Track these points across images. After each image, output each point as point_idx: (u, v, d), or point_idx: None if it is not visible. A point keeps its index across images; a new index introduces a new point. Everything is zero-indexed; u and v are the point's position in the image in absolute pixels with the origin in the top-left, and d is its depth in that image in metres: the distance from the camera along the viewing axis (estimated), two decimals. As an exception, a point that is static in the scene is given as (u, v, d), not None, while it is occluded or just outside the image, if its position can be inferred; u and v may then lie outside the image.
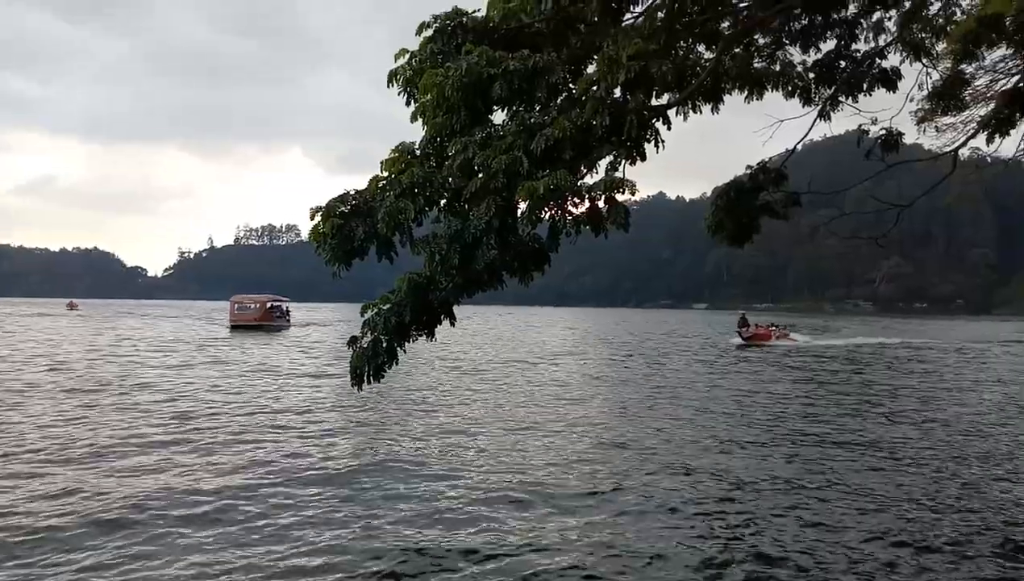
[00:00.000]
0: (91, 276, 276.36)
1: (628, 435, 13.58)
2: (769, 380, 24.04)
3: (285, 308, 62.39)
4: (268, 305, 59.14)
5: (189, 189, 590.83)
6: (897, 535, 8.07)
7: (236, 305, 58.93)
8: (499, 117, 6.54)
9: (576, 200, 5.49)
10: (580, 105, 5.94)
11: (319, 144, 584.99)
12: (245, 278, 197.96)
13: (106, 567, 6.90)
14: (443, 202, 6.11)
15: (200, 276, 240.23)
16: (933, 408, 17.90)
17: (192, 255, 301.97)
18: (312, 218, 5.98)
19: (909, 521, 8.60)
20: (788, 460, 11.77)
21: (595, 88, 5.78)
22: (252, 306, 58.20)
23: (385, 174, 6.41)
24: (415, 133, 6.77)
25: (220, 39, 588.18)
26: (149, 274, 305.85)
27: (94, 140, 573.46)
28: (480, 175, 5.70)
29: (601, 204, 5.47)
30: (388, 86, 6.66)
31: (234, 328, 53.81)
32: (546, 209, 5.48)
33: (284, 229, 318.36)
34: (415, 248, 6.06)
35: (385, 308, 6.87)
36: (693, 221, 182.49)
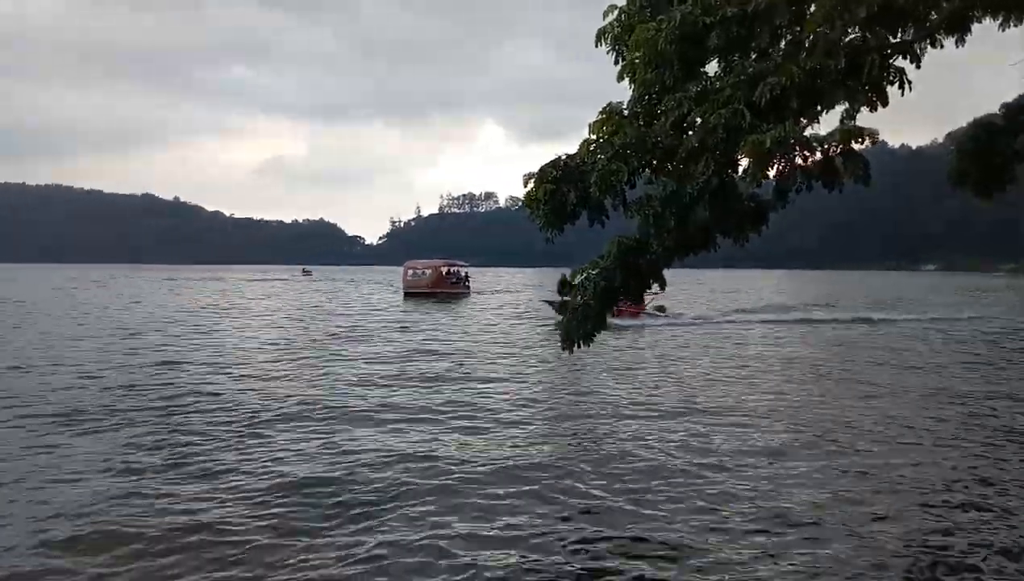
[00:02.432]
0: (318, 244, 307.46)
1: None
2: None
3: (463, 274, 55.74)
4: (444, 270, 53.28)
5: (397, 163, 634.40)
6: None
7: (410, 271, 53.75)
8: (712, 69, 6.21)
9: (806, 153, 5.03)
10: (808, 49, 5.42)
11: (511, 114, 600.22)
12: (447, 244, 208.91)
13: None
14: (655, 162, 5.90)
15: (409, 243, 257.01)
16: None
17: (402, 224, 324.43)
18: (525, 184, 6.05)
19: None
20: None
21: (827, 27, 5.21)
22: (426, 272, 52.54)
23: (594, 137, 6.34)
24: (615, 93, 6.61)
25: (417, 21, 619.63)
26: (366, 242, 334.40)
27: (316, 122, 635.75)
28: (696, 132, 5.42)
29: (836, 156, 4.96)
30: (596, 45, 6.51)
31: (408, 295, 50.08)
32: (772, 164, 5.08)
33: (483, 197, 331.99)
34: (628, 211, 5.94)
35: (594, 273, 6.86)
36: (920, 172, 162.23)
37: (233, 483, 8.25)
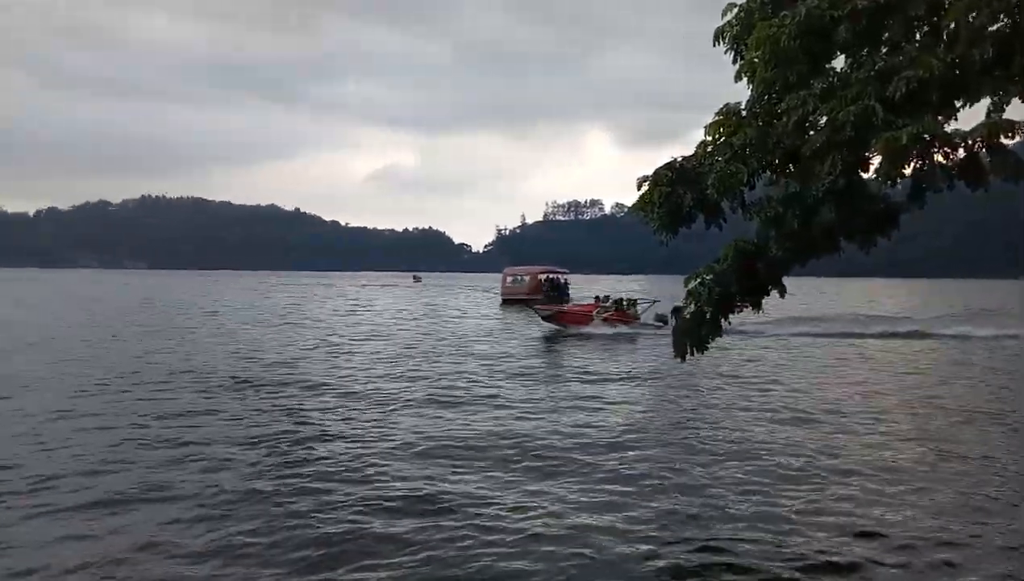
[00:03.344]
0: (426, 252, 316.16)
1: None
2: None
3: (563, 281, 52.98)
4: (541, 278, 51.85)
5: (502, 171, 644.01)
6: None
7: (509, 278, 54.23)
8: (839, 65, 5.91)
9: (946, 149, 4.68)
10: (948, 39, 5.06)
11: (616, 119, 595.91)
12: (551, 251, 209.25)
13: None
14: (776, 163, 5.67)
15: (513, 250, 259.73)
16: None
17: (507, 231, 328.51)
18: (639, 187, 5.97)
19: None
20: None
21: (973, 15, 4.84)
22: (524, 279, 52.15)
23: (710, 138, 6.18)
24: (724, 96, 6.40)
25: (520, 30, 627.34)
26: (473, 250, 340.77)
27: (423, 133, 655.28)
28: (822, 130, 5.17)
29: (981, 152, 4.59)
30: (714, 45, 6.35)
31: (506, 302, 49.93)
32: (908, 162, 4.77)
33: (588, 204, 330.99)
34: (747, 213, 5.74)
35: (709, 278, 6.67)
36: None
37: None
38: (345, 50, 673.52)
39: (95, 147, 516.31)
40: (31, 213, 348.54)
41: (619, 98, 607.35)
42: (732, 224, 6.36)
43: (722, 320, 6.85)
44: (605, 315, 27.96)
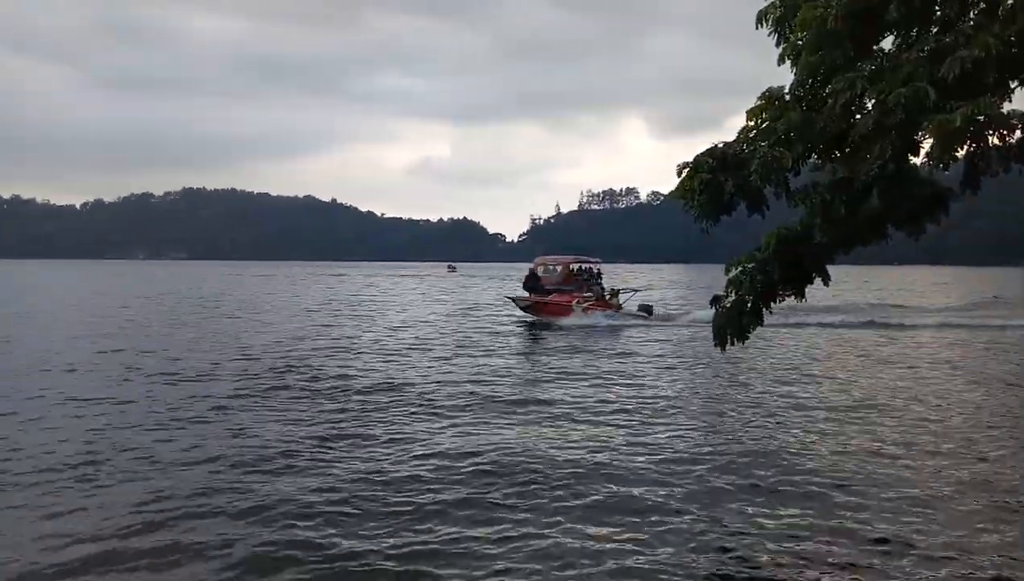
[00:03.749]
0: (461, 242, 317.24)
1: None
2: None
3: (596, 271, 50.10)
4: (573, 267, 48.91)
5: (537, 161, 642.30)
6: None
7: (539, 267, 54.08)
8: (887, 46, 5.73)
9: (1003, 131, 4.51)
10: (1005, 16, 4.86)
11: (652, 108, 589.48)
12: (586, 241, 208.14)
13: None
14: (822, 148, 5.53)
15: (548, 240, 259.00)
16: None
17: (542, 221, 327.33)
18: (679, 174, 5.87)
19: None
20: None
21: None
22: (556, 269, 48.26)
23: (752, 123, 6.05)
24: (764, 82, 6.24)
25: (560, 19, 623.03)
26: (507, 239, 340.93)
27: (459, 124, 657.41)
28: (870, 113, 5.01)
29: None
30: (756, 27, 6.19)
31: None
32: (961, 146, 4.60)
33: (623, 193, 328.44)
34: (792, 200, 5.61)
35: (750, 266, 6.55)
36: None
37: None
38: (384, 43, 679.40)
39: (139, 141, 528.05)
40: (78, 205, 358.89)
41: (657, 86, 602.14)
42: (771, 211, 6.23)
43: (763, 309, 6.74)
44: (586, 306, 27.18)
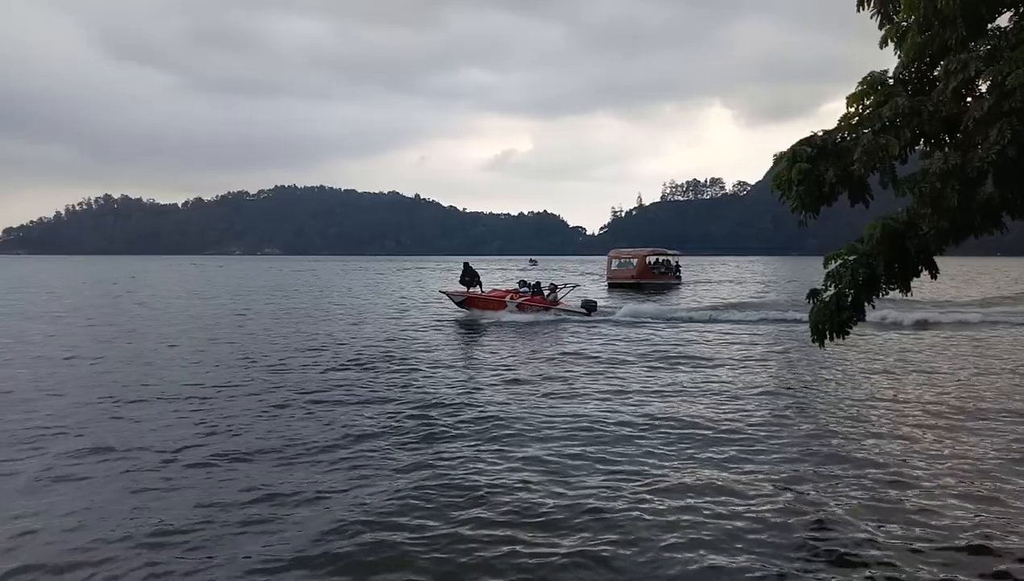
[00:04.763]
0: (542, 236, 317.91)
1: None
2: None
3: (674, 263, 52.35)
4: (649, 260, 49.83)
5: (618, 152, 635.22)
6: None
7: (614, 261, 51.19)
8: (1003, 24, 5.39)
9: None
10: None
11: (738, 96, 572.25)
12: (668, 233, 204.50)
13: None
14: (932, 133, 5.26)
15: (629, 233, 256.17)
16: None
17: (623, 213, 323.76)
18: (776, 164, 5.72)
19: None
20: None
21: None
22: (632, 261, 49.45)
23: (853, 109, 5.81)
24: (858, 66, 5.99)
25: (638, 8, 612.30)
26: (587, 232, 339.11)
27: (538, 117, 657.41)
28: (987, 96, 4.74)
29: None
30: (858, 9, 5.95)
31: (611, 286, 47.16)
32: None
33: (708, 183, 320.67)
34: (899, 188, 5.37)
35: (851, 259, 6.31)
36: None
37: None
38: (464, 40, 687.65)
39: (234, 142, 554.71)
40: (179, 204, 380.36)
41: (741, 73, 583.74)
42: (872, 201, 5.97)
43: (865, 303, 6.49)
44: (520, 301, 26.51)
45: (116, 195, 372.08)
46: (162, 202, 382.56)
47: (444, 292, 29.10)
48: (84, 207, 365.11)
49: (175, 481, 7.92)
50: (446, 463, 8.47)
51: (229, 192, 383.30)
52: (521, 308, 26.00)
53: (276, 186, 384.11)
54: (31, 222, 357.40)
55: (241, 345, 18.98)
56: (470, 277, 27.28)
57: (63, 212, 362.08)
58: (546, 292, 27.49)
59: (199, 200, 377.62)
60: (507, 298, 26.65)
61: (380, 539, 6.35)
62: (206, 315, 28.53)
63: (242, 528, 6.61)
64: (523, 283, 28.30)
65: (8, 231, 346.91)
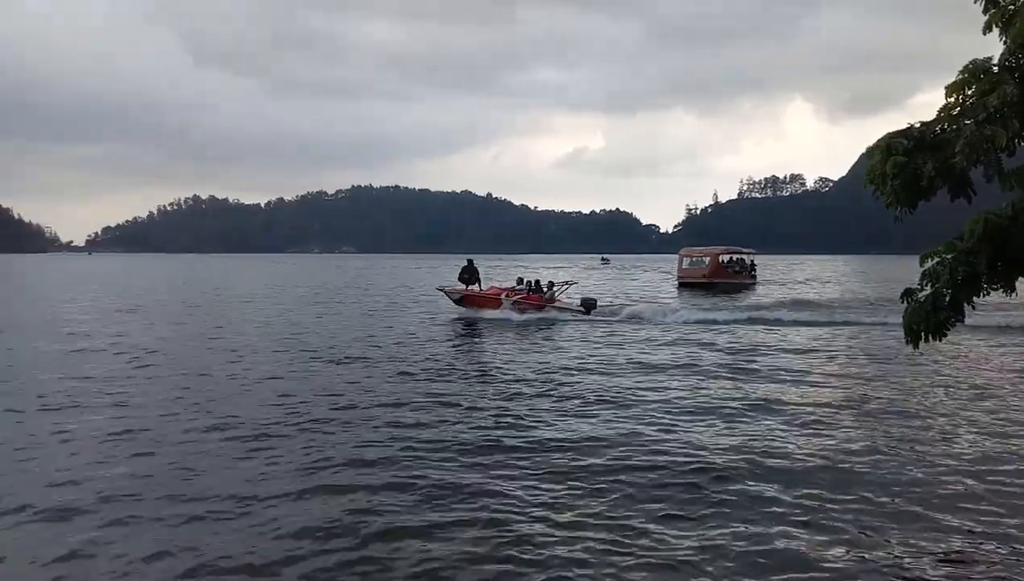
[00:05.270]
0: (614, 234, 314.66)
1: None
2: None
3: (749, 262, 50.50)
4: (723, 259, 48.26)
5: (693, 149, 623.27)
6: None
7: (686, 259, 49.89)
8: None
9: None
10: None
11: (819, 89, 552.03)
12: (744, 231, 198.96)
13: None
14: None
15: (704, 230, 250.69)
16: None
17: (697, 211, 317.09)
18: (870, 157, 5.47)
19: None
20: None
21: None
22: (704, 260, 48.03)
23: (953, 99, 5.50)
24: (964, 52, 5.63)
25: (713, 1, 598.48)
26: (661, 230, 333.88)
27: (611, 114, 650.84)
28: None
29: None
30: (960, -6, 5.63)
31: (682, 285, 46.48)
32: None
33: (787, 179, 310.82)
34: (1006, 182, 5.05)
35: (950, 258, 5.98)
36: None
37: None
38: (536, 37, 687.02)
39: (313, 142, 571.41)
40: (262, 204, 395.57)
41: (821, 65, 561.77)
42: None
43: (965, 304, 6.14)
44: (515, 298, 26.16)
45: (204, 196, 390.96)
46: (246, 202, 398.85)
47: (442, 289, 29.14)
48: (175, 207, 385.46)
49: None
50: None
51: (308, 192, 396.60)
52: (516, 306, 25.94)
53: (353, 186, 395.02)
54: (127, 222, 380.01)
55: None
56: (470, 274, 27.37)
57: (155, 212, 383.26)
58: (544, 290, 27.35)
59: (280, 200, 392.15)
60: (503, 296, 26.61)
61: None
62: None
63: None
64: (520, 281, 28.23)
65: (107, 230, 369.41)
